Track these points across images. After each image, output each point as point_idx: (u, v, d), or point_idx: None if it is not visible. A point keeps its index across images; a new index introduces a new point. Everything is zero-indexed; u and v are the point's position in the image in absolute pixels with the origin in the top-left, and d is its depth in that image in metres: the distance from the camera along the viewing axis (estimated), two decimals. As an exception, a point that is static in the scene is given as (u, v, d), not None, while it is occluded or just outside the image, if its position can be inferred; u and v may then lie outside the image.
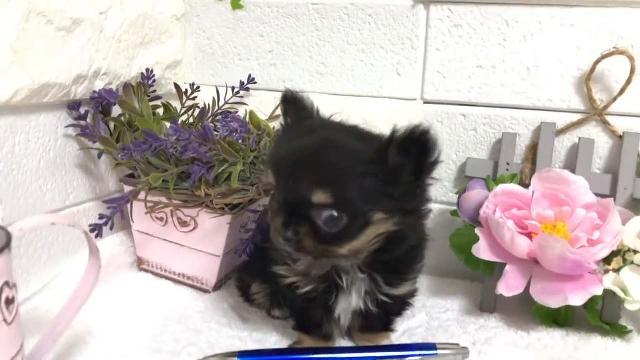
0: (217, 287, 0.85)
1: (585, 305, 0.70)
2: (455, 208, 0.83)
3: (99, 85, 0.85)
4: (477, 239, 0.74)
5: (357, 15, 0.94)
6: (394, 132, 0.55)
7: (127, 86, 0.86)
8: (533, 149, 0.86)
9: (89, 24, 0.80)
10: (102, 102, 0.84)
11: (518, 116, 0.88)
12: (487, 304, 0.80)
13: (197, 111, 0.93)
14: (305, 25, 0.97)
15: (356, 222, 0.55)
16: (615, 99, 0.81)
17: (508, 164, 0.85)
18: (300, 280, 0.65)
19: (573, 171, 0.79)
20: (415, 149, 0.54)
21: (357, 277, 0.63)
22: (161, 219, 0.83)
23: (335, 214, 0.54)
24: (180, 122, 0.86)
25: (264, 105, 0.99)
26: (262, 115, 0.92)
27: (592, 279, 0.69)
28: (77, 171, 0.86)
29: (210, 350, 0.67)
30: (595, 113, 0.83)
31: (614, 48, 0.79)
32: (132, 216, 0.81)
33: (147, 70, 0.92)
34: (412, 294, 0.73)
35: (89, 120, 0.83)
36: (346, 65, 0.96)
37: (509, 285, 0.71)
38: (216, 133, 0.79)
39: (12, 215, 0.74)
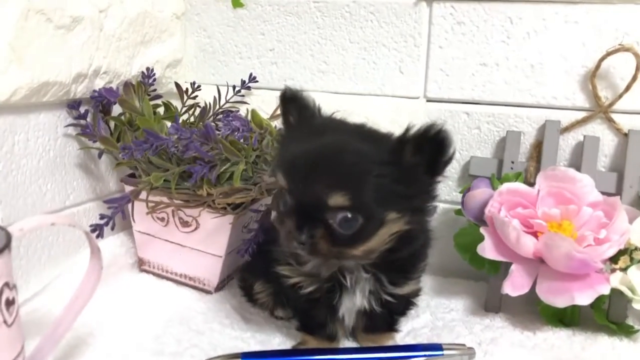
0: (219, 287, 0.85)
1: (592, 305, 0.69)
2: (459, 207, 0.82)
3: (99, 84, 0.85)
4: (481, 238, 0.74)
5: (359, 12, 0.93)
6: (407, 130, 0.55)
7: (127, 85, 0.85)
8: (538, 147, 0.85)
9: (89, 22, 0.80)
10: (102, 101, 0.84)
11: (522, 114, 0.87)
12: (492, 303, 0.80)
13: (197, 110, 0.92)
14: (306, 23, 0.96)
15: (371, 222, 0.55)
16: (620, 96, 0.81)
17: (512, 162, 0.84)
18: (304, 280, 0.64)
19: (578, 169, 0.78)
20: (430, 148, 0.54)
21: (361, 277, 0.63)
22: (162, 219, 0.82)
23: (350, 215, 0.54)
24: (181, 121, 0.86)
25: (265, 104, 0.99)
26: (264, 114, 0.91)
27: (599, 278, 0.68)
28: (77, 171, 0.86)
29: (212, 351, 0.66)
30: (600, 110, 0.83)
31: (619, 45, 0.79)
32: (133, 216, 0.80)
33: (148, 68, 0.92)
34: (416, 293, 0.73)
35: (89, 119, 0.83)
36: (348, 63, 0.95)
37: (515, 285, 0.71)
38: (218, 132, 0.78)
39: (11, 215, 0.73)
